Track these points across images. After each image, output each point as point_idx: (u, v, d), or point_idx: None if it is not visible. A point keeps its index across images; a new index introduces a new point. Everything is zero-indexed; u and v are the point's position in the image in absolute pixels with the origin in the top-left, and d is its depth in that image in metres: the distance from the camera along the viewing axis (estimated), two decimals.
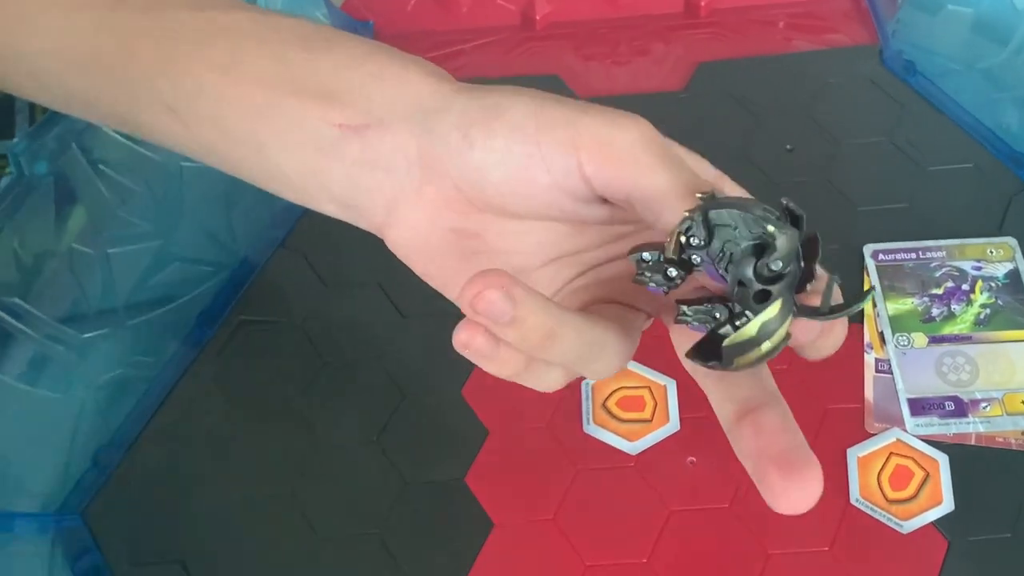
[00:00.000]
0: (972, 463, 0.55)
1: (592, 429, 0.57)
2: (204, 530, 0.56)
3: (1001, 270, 0.61)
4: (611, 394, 0.58)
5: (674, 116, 0.63)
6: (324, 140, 0.39)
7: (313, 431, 0.59)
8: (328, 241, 0.66)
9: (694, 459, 0.56)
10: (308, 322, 0.63)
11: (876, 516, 0.54)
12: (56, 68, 0.42)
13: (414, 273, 0.41)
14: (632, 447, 0.57)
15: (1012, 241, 0.61)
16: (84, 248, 0.60)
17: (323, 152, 0.39)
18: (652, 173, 0.35)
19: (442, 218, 0.39)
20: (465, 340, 0.31)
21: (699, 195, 0.33)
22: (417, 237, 0.39)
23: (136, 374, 0.62)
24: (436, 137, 0.37)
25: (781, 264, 0.32)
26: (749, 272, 0.33)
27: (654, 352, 0.58)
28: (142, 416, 0.60)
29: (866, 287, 0.61)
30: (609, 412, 0.58)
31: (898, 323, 0.59)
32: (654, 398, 0.58)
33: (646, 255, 0.35)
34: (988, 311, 0.59)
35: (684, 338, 0.37)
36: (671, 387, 0.58)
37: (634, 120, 0.36)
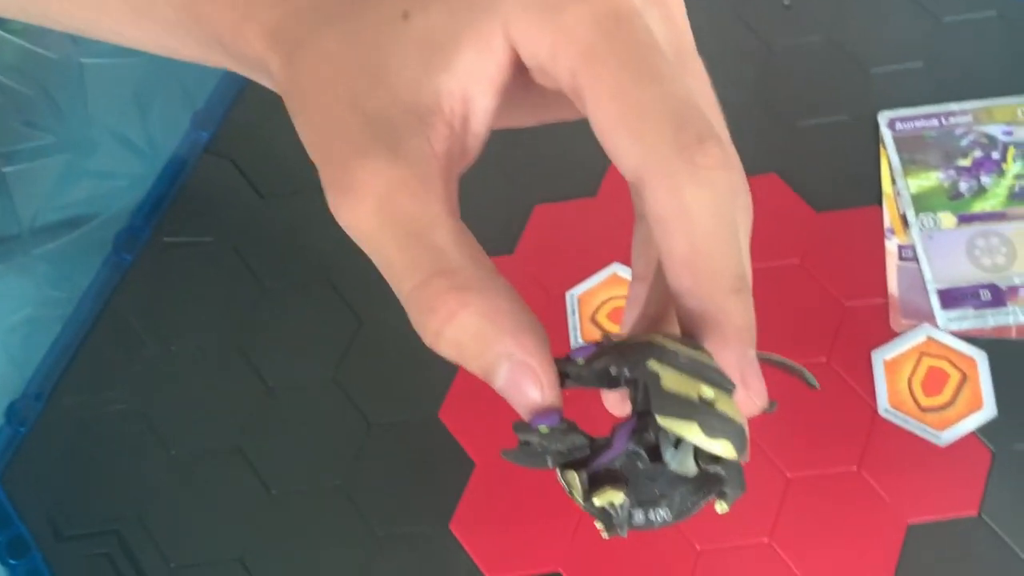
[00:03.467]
0: (1015, 360, 0.49)
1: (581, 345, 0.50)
2: (140, 493, 0.50)
3: None
4: (599, 307, 0.51)
5: None
6: None
7: (258, 371, 0.51)
8: (261, 141, 0.57)
9: None
10: (242, 239, 0.55)
11: (909, 428, 0.48)
12: None
13: None
14: None
15: None
16: None
17: None
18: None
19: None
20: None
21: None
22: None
23: (48, 313, 0.54)
24: None
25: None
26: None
27: None
28: (58, 361, 0.53)
29: (883, 163, 0.53)
30: (599, 326, 0.50)
31: (922, 202, 0.52)
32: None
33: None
34: (1023, 182, 0.52)
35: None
36: None
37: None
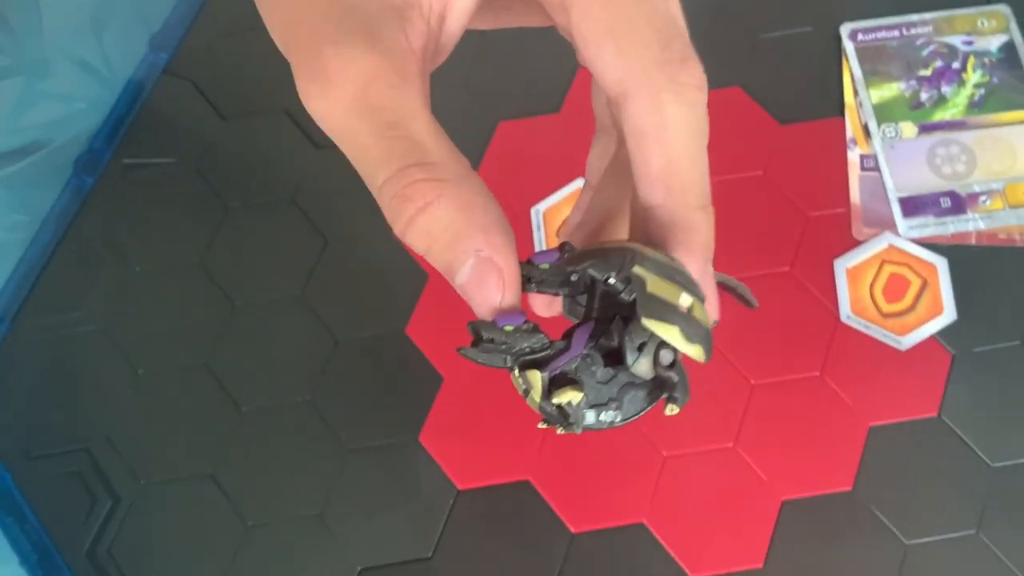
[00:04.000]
0: (974, 266, 0.49)
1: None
2: (107, 412, 0.49)
3: (994, 43, 0.53)
4: (565, 221, 0.51)
5: None
6: None
7: (223, 289, 0.51)
8: (221, 63, 0.56)
9: None
10: (204, 161, 0.54)
11: (870, 333, 0.48)
12: None
13: None
14: None
15: (1004, 8, 0.54)
16: None
17: None
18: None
19: None
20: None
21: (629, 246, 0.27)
22: None
23: (10, 237, 0.53)
24: None
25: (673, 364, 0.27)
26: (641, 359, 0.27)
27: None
28: (21, 287, 0.52)
29: (845, 74, 0.53)
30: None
31: (883, 112, 0.52)
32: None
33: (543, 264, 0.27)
34: (983, 91, 0.52)
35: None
36: None
37: None
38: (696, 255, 0.27)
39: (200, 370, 0.49)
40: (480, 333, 0.26)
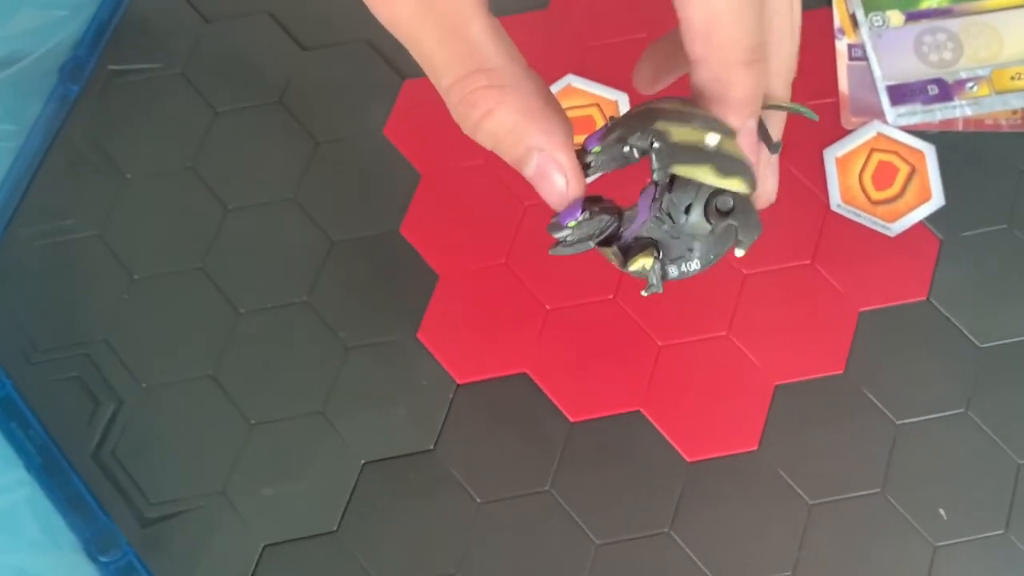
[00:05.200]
0: (961, 151, 0.50)
1: None
2: (105, 317, 0.49)
3: None
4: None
5: None
6: None
7: (214, 193, 0.51)
8: None
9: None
10: (190, 65, 0.53)
11: (860, 220, 0.49)
12: None
13: None
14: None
15: None
16: None
17: None
18: None
19: None
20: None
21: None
22: None
23: None
24: None
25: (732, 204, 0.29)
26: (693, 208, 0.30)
27: (602, 65, 0.51)
28: (12, 195, 0.52)
29: None
30: None
31: (871, 1, 0.52)
32: (604, 115, 0.51)
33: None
34: None
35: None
36: (623, 101, 0.51)
37: None
38: (732, 110, 0.28)
39: (196, 273, 0.49)
40: (554, 235, 0.30)
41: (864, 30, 0.52)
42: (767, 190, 0.32)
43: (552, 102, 0.29)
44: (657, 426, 0.46)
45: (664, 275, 0.30)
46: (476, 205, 0.50)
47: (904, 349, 0.47)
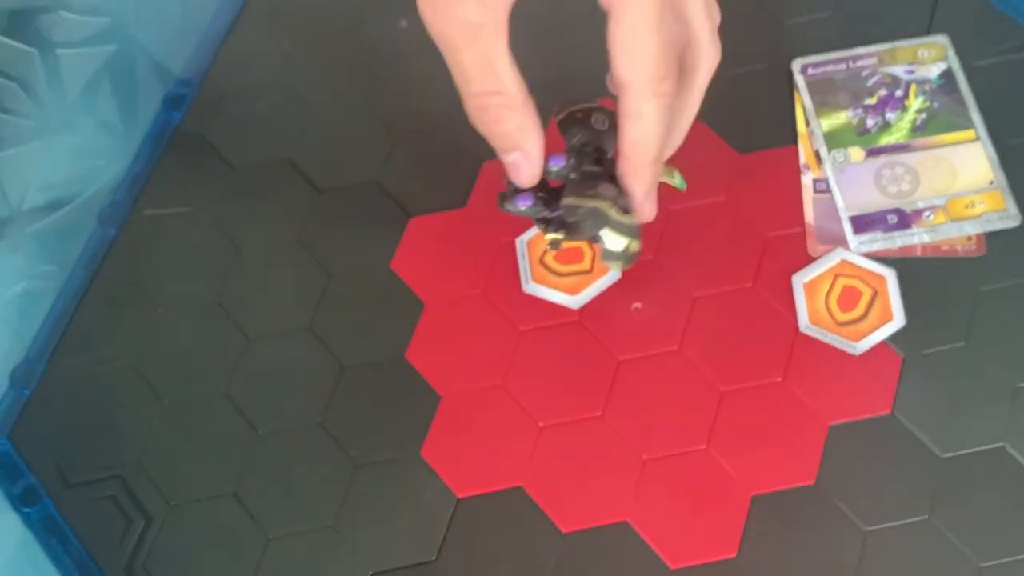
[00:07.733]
0: (920, 275, 0.54)
1: (532, 288, 0.55)
2: (137, 440, 0.54)
3: (934, 71, 0.58)
4: (547, 250, 0.56)
5: None
6: None
7: (240, 326, 0.56)
8: (229, 118, 0.61)
9: (638, 305, 0.54)
10: (218, 210, 0.59)
11: (827, 340, 0.53)
12: None
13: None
14: (574, 300, 0.54)
15: (943, 39, 0.59)
16: None
17: None
18: None
19: None
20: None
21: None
22: None
23: (42, 285, 0.58)
24: None
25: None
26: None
27: None
28: (54, 331, 0.57)
29: (797, 106, 0.58)
30: (547, 267, 0.55)
31: (833, 139, 0.57)
32: (592, 247, 0.55)
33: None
34: (924, 115, 0.57)
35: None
36: None
37: None
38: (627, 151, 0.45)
39: (220, 398, 0.54)
40: (509, 211, 0.48)
41: (828, 166, 0.56)
42: (646, 216, 0.48)
43: (535, 122, 0.43)
44: (642, 535, 0.50)
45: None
46: (475, 332, 0.55)
47: (871, 460, 0.51)
